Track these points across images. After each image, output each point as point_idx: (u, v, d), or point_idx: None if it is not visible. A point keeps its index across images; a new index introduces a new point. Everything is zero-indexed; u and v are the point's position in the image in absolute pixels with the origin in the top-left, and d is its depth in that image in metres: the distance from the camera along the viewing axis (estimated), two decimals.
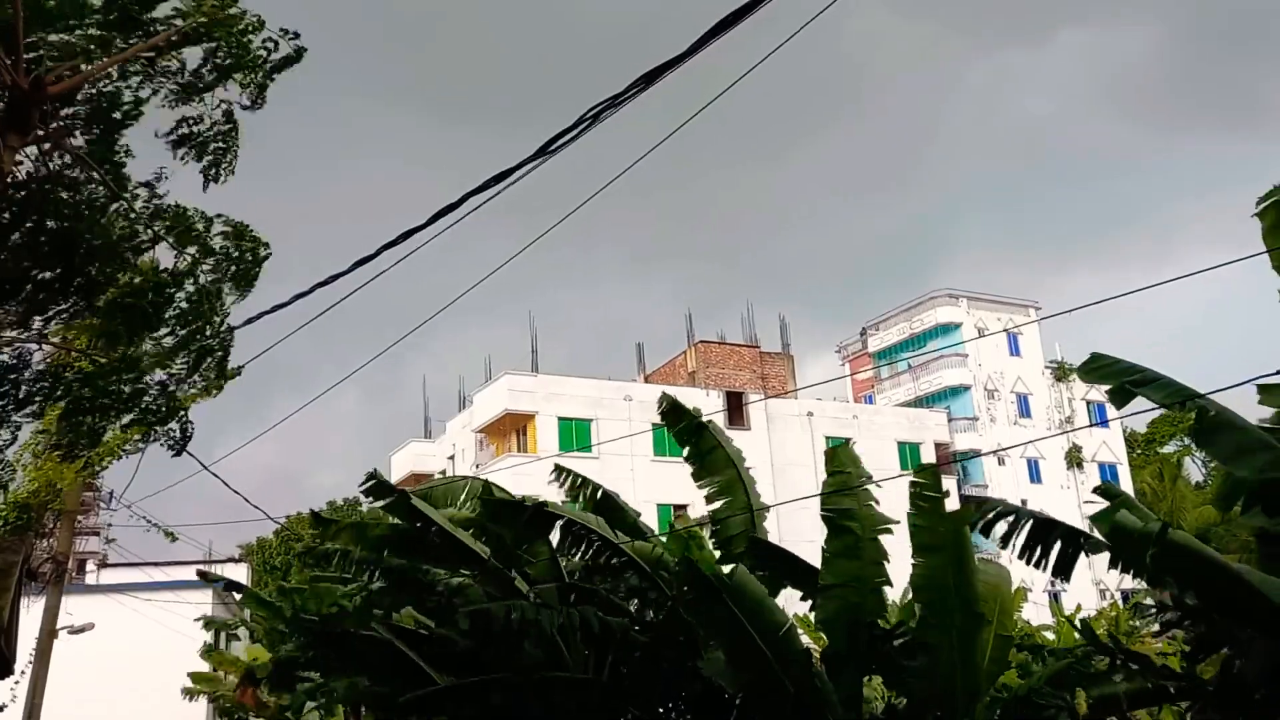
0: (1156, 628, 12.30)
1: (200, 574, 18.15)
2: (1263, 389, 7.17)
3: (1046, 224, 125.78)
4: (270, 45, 7.52)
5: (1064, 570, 7.95)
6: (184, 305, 8.00)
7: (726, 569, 9.80)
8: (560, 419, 42.41)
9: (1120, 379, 7.61)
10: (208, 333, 7.92)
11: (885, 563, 9.82)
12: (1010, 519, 8.25)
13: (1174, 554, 6.77)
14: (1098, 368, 8.21)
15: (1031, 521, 8.10)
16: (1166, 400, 7.19)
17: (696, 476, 11.91)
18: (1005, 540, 8.13)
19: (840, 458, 10.56)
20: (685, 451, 12.00)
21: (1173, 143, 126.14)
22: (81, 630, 26.83)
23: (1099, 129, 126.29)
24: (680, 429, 11.92)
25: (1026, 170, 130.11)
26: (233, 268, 7.93)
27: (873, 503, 10.14)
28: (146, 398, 8.34)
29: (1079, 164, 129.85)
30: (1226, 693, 6.92)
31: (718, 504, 11.64)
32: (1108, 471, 54.41)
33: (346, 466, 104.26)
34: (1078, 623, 9.25)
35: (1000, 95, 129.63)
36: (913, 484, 9.34)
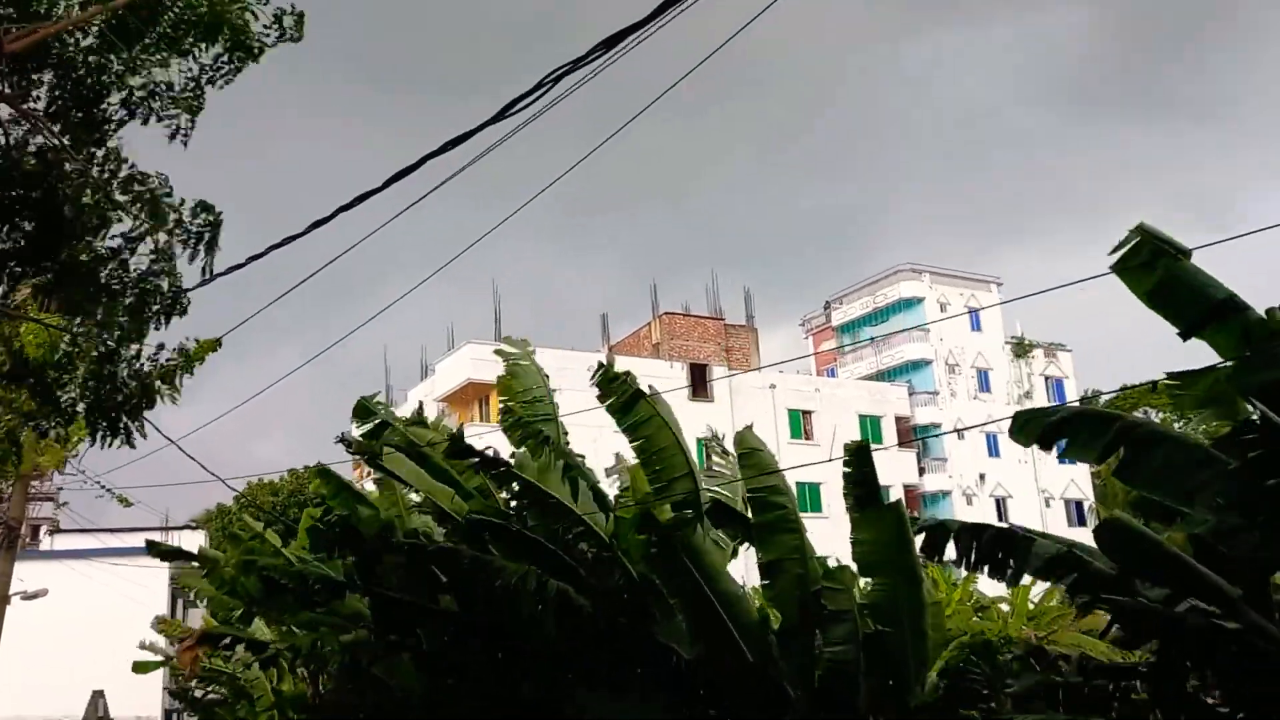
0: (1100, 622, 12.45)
1: (149, 544, 17.87)
2: (1172, 390, 7.14)
3: (991, 203, 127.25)
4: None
5: (1001, 573, 7.84)
6: (142, 269, 7.94)
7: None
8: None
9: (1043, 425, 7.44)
10: (165, 292, 7.85)
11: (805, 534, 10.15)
12: (945, 533, 8.17)
13: (1116, 535, 6.90)
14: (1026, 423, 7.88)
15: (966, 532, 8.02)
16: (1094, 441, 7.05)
17: (637, 450, 11.40)
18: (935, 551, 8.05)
19: (747, 440, 10.82)
20: (621, 422, 11.00)
21: (1103, 129, 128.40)
22: (35, 596, 26.56)
23: (1032, 114, 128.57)
24: (614, 402, 10.90)
25: (968, 150, 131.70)
26: (192, 236, 7.90)
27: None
28: (108, 386, 8.25)
29: (1017, 146, 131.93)
30: (1159, 678, 7.03)
31: (657, 468, 11.29)
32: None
33: (292, 431, 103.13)
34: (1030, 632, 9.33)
35: (937, 78, 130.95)
36: (845, 469, 9.35)
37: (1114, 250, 6.74)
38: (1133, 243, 6.75)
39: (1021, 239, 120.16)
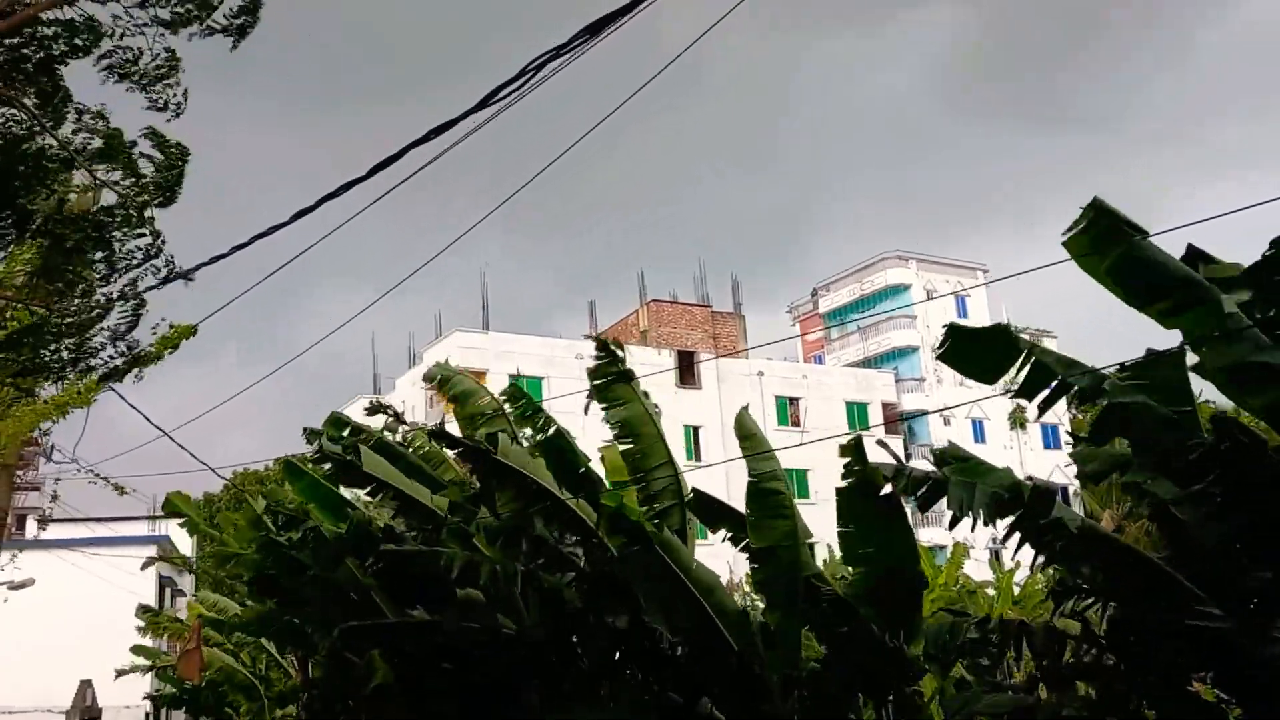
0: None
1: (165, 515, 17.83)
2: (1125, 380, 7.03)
3: (920, 194, 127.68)
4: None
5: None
6: (116, 226, 7.92)
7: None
8: (511, 376, 42.17)
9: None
10: (138, 245, 7.84)
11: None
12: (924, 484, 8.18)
13: (1084, 541, 6.91)
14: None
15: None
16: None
17: (616, 433, 11.36)
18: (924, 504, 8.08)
19: (746, 424, 10.63)
20: (601, 402, 11.19)
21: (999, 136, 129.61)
22: (22, 585, 26.48)
23: (936, 111, 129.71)
24: (600, 383, 11.10)
25: (888, 143, 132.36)
26: (152, 178, 7.88)
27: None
28: (94, 347, 8.26)
29: (934, 139, 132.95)
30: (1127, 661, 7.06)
31: (637, 459, 11.23)
32: (1049, 432, 55.53)
33: (271, 424, 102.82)
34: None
35: (844, 75, 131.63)
36: (842, 454, 9.36)
37: (1069, 229, 6.64)
38: (1088, 219, 6.59)
39: (965, 235, 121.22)
